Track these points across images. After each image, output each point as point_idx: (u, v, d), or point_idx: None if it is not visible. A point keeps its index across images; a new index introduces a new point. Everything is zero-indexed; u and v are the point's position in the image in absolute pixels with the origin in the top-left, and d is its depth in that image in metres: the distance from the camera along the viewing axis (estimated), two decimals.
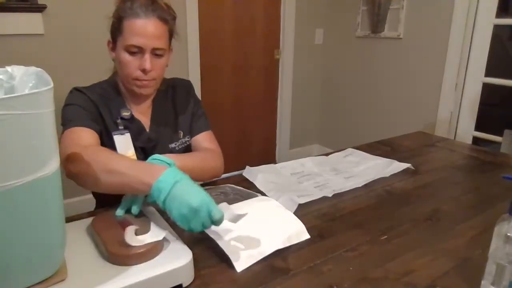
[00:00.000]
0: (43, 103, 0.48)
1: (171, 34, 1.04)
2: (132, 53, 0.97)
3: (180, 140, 1.14)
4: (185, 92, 1.19)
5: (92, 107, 1.01)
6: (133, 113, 1.08)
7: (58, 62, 2.14)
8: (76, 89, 1.04)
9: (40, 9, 2.03)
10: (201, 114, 1.20)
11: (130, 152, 1.03)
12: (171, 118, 1.14)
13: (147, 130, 1.10)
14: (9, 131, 0.45)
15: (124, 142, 1.02)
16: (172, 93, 1.17)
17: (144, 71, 0.98)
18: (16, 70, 0.57)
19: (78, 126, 0.93)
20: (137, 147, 1.06)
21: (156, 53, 0.99)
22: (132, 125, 1.06)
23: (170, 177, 0.69)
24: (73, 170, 0.81)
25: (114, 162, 0.78)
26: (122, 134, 1.03)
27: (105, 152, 0.84)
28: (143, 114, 1.11)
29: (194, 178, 0.83)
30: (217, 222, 0.68)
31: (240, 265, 0.69)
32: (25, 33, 2.03)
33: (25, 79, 0.56)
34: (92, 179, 0.77)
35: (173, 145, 1.13)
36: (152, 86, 1.04)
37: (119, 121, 1.04)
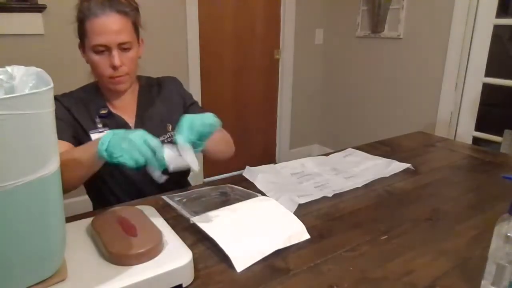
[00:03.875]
0: (43, 103, 0.48)
1: (135, 25, 1.03)
2: (99, 53, 0.98)
3: (168, 133, 1.14)
4: (174, 87, 1.20)
5: (66, 114, 1.03)
6: (116, 111, 1.09)
7: (58, 62, 2.14)
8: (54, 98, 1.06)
9: (40, 9, 2.03)
10: (197, 104, 1.22)
11: None
12: (158, 113, 1.14)
13: (131, 125, 1.10)
14: (9, 131, 0.45)
15: None
16: (159, 88, 1.18)
17: (114, 67, 0.99)
18: (16, 70, 0.57)
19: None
20: None
21: (122, 47, 0.99)
22: (111, 122, 1.07)
23: (109, 133, 0.78)
24: None
25: (65, 156, 0.83)
26: (100, 131, 1.04)
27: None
28: (125, 111, 1.11)
29: (223, 148, 1.13)
30: (155, 149, 0.74)
31: (240, 265, 0.69)
32: (25, 33, 2.03)
33: (25, 79, 0.56)
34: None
35: (161, 139, 1.12)
36: (127, 81, 1.05)
37: (97, 119, 1.06)
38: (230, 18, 2.79)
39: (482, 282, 0.61)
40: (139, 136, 0.75)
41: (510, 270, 0.57)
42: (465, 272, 0.69)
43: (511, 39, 2.55)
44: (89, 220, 0.73)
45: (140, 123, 1.11)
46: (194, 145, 0.82)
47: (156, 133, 1.11)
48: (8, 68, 0.56)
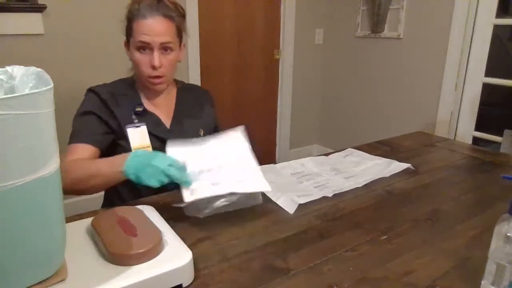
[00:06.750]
0: (43, 103, 0.48)
1: (179, 30, 1.09)
2: (142, 51, 1.04)
3: (200, 138, 1.17)
4: (208, 100, 1.29)
5: (102, 107, 1.07)
6: (151, 109, 1.14)
7: (58, 62, 2.14)
8: (89, 90, 1.11)
9: (40, 9, 2.03)
10: (219, 125, 1.29)
11: (146, 143, 1.08)
12: (194, 117, 1.20)
13: (166, 125, 1.14)
14: (9, 131, 0.45)
15: (138, 134, 1.07)
16: (194, 95, 1.25)
17: (153, 67, 1.05)
18: (16, 70, 0.57)
19: (80, 142, 1.01)
20: (157, 136, 1.09)
21: (164, 48, 1.05)
22: (147, 119, 1.11)
23: (132, 157, 0.85)
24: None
25: (90, 166, 0.92)
26: (137, 127, 1.08)
27: (81, 162, 0.96)
28: (161, 110, 1.16)
29: None
30: (180, 171, 0.81)
31: (188, 196, 0.74)
32: (25, 33, 2.03)
33: (25, 79, 0.56)
34: (82, 186, 0.90)
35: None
36: (164, 82, 1.11)
37: (133, 116, 1.10)
38: (230, 18, 2.79)
39: (482, 282, 0.61)
40: (163, 161, 0.81)
41: (510, 270, 0.57)
42: (465, 272, 0.69)
43: (511, 39, 2.55)
44: (89, 220, 0.73)
45: (176, 124, 1.16)
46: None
47: (189, 135, 1.16)
48: (8, 68, 0.56)
